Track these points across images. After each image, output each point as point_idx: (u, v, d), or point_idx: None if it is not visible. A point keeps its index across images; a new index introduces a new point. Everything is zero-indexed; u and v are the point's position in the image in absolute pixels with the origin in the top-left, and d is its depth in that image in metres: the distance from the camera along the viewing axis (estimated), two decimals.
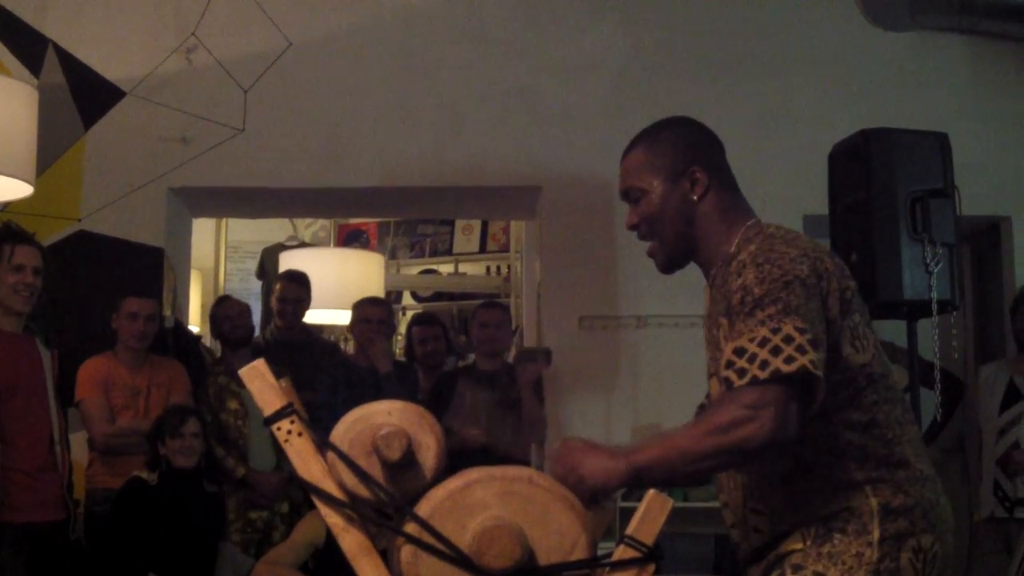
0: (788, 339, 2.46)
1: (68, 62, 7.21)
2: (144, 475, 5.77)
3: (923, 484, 2.64)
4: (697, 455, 2.48)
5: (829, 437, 2.61)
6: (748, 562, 2.78)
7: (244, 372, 2.62)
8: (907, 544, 2.56)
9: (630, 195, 2.87)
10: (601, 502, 2.67)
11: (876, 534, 2.55)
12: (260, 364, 2.64)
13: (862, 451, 2.60)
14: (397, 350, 9.10)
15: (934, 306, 5.30)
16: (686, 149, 2.83)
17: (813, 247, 2.66)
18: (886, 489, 2.59)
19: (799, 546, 2.61)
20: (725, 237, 2.75)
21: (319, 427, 2.67)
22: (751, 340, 2.49)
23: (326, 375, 6.74)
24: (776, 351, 2.45)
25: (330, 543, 4.39)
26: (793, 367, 2.44)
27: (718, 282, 2.70)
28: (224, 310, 6.95)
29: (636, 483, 2.54)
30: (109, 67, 7.26)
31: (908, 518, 2.58)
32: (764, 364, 2.45)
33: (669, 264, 2.88)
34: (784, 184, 6.59)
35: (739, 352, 2.49)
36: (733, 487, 2.78)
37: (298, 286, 7.41)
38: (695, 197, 2.79)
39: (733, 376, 2.49)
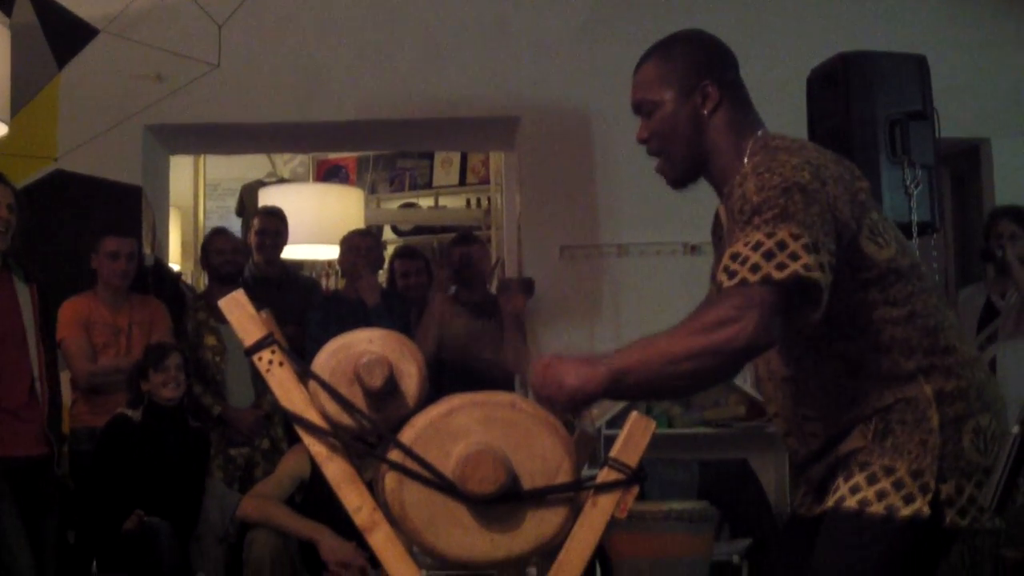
0: (782, 245, 2.44)
1: (39, 1, 7.13)
2: (128, 412, 5.77)
3: (972, 366, 2.65)
4: (678, 355, 2.47)
5: (872, 334, 2.61)
6: (807, 463, 2.78)
7: (224, 303, 2.61)
8: (967, 426, 2.57)
9: (642, 108, 2.83)
10: (583, 413, 2.68)
11: (936, 420, 2.56)
12: (239, 295, 2.62)
13: (907, 344, 2.60)
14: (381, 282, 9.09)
15: (914, 228, 5.31)
16: (699, 63, 2.79)
17: (818, 155, 2.64)
18: (938, 376, 2.59)
19: (861, 444, 2.61)
20: (736, 153, 2.72)
21: (306, 360, 2.67)
22: (745, 244, 2.48)
23: (316, 309, 6.74)
24: (769, 256, 2.44)
25: (315, 476, 4.41)
26: (784, 273, 2.43)
27: (730, 198, 2.68)
28: (218, 243, 6.89)
29: (616, 389, 2.53)
30: (81, 4, 7.18)
31: (964, 400, 2.59)
32: (755, 267, 2.44)
33: (679, 180, 2.84)
34: (762, 110, 6.47)
35: (734, 256, 2.49)
36: (782, 397, 2.77)
37: (276, 219, 7.35)
38: (705, 112, 2.76)
39: (724, 278, 2.49)
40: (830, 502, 2.63)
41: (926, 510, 2.53)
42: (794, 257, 2.44)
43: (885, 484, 2.55)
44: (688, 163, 2.80)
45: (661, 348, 2.50)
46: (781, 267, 2.44)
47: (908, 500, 2.53)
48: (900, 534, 2.54)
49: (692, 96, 2.76)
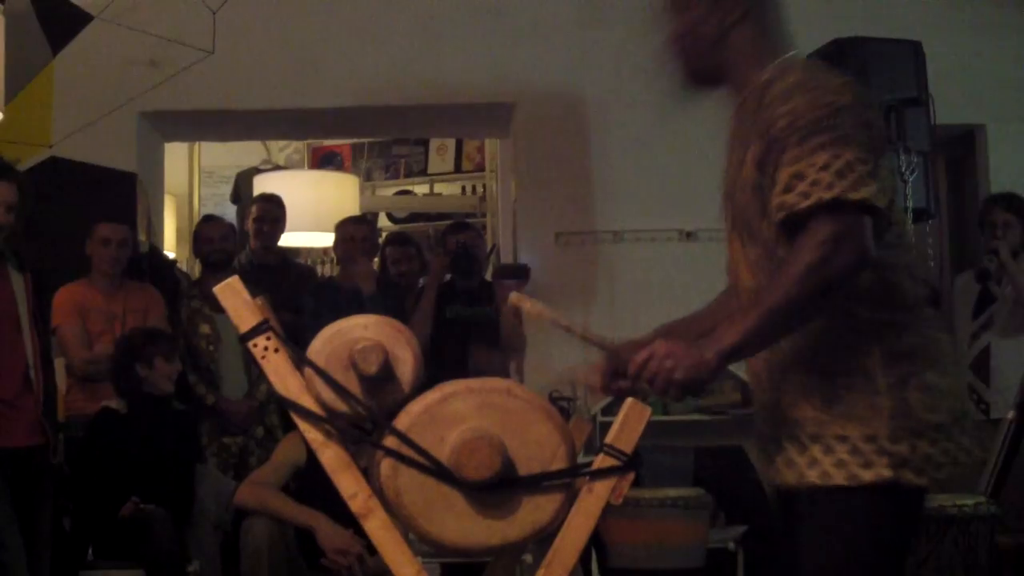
0: (850, 166, 2.44)
1: None
2: (113, 404, 5.74)
3: (925, 323, 2.63)
4: (793, 306, 2.46)
5: None
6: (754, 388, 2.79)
7: (219, 289, 2.60)
8: (911, 384, 2.55)
9: (676, 4, 2.83)
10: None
11: (882, 382, 2.55)
12: (235, 281, 2.62)
13: (866, 294, 2.57)
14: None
15: (909, 215, 5.32)
16: None
17: (849, 79, 2.64)
18: (888, 332, 2.57)
19: (809, 413, 2.59)
20: (756, 64, 2.72)
21: (302, 347, 2.66)
22: (811, 165, 2.46)
23: (310, 296, 6.72)
24: (841, 175, 2.44)
25: (311, 463, 4.41)
26: (860, 194, 2.43)
27: (749, 106, 2.66)
28: (205, 232, 6.87)
29: (731, 362, 2.52)
30: None
31: (910, 360, 2.57)
32: (830, 185, 2.43)
33: (691, 82, 2.84)
34: None
35: (798, 176, 2.47)
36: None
37: (274, 206, 7.34)
38: (730, 21, 2.76)
39: (795, 199, 2.47)
40: (790, 478, 2.62)
41: (886, 472, 2.52)
42: (863, 181, 2.44)
43: (841, 454, 2.55)
44: (703, 68, 2.81)
45: (772, 307, 2.47)
46: (856, 186, 2.43)
47: (867, 465, 2.53)
48: (867, 500, 2.54)
49: (720, 2, 2.76)
